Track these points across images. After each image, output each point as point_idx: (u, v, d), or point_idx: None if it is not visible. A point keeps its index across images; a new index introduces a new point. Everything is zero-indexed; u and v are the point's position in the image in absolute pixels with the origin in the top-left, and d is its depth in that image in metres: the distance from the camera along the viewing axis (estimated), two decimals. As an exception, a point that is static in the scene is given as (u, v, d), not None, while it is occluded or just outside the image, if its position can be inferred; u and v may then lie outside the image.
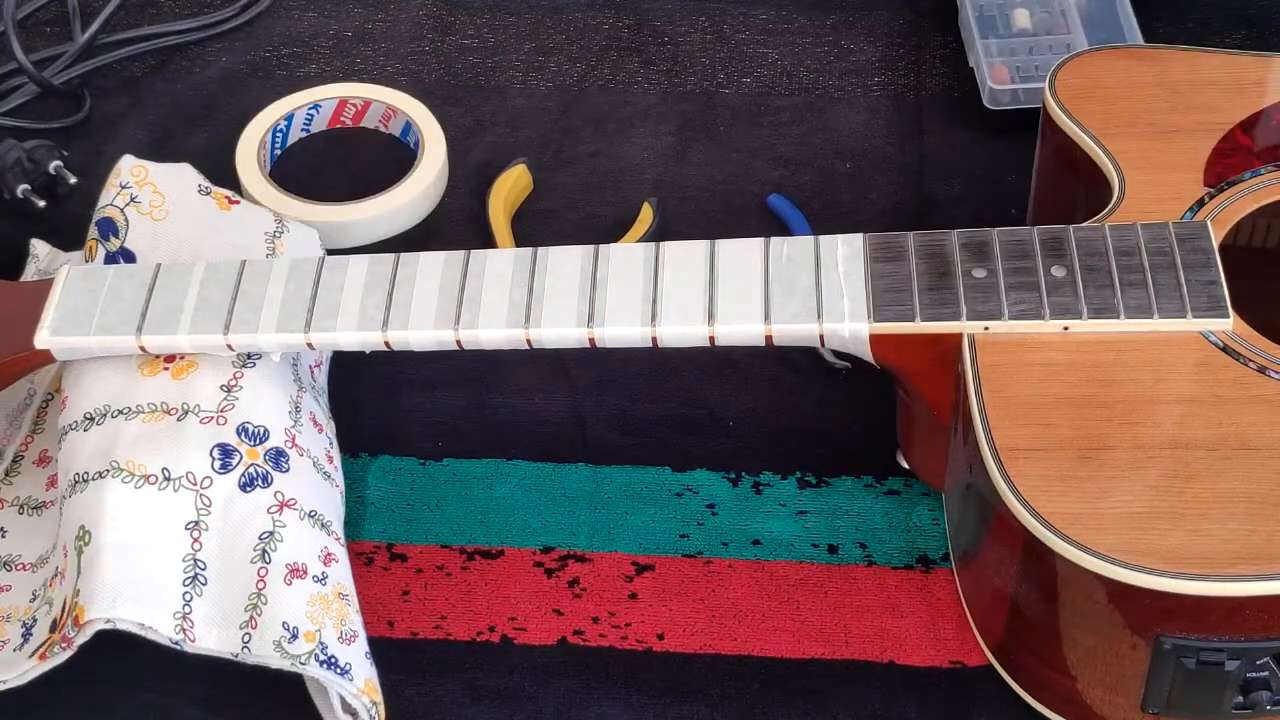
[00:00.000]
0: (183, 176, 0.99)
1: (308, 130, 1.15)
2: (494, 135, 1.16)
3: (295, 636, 0.81)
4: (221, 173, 1.06)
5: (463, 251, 0.89)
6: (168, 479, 0.83)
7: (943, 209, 1.09)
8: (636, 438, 0.98)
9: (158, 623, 0.80)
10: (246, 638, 0.81)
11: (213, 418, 0.86)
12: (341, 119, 1.15)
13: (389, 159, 1.13)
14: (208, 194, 0.99)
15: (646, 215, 1.07)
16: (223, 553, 0.83)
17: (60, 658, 0.81)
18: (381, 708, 0.83)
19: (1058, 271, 0.85)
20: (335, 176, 1.13)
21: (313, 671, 0.81)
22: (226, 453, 0.85)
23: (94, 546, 0.82)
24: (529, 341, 0.86)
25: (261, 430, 0.86)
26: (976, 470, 0.81)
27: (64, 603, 0.82)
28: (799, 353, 1.00)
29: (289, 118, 1.13)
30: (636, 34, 1.22)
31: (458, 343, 0.87)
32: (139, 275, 0.89)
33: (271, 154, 1.13)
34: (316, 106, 1.14)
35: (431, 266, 0.88)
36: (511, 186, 1.08)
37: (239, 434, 0.85)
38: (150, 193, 0.97)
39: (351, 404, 0.99)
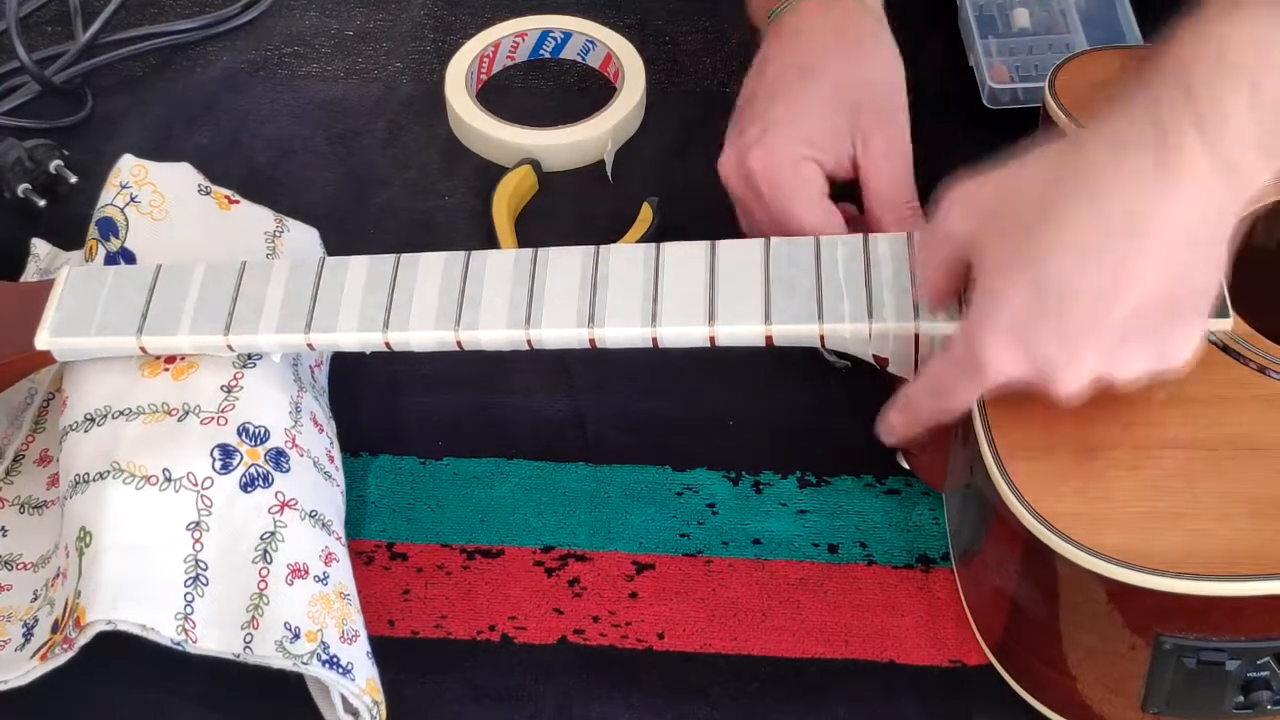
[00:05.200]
0: (183, 176, 0.99)
1: (513, 59, 1.19)
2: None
3: (297, 636, 0.81)
4: (221, 172, 1.05)
5: (463, 252, 0.89)
6: (168, 480, 0.84)
7: (943, 208, 1.09)
8: (636, 437, 0.98)
9: (159, 624, 0.80)
10: (248, 638, 0.82)
11: (213, 418, 0.86)
12: (542, 51, 1.19)
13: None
14: (207, 194, 0.99)
15: (646, 215, 1.07)
16: (224, 553, 0.83)
17: (61, 658, 0.81)
18: (383, 707, 0.83)
19: (1058, 271, 0.85)
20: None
21: (315, 671, 0.81)
22: (227, 453, 0.85)
23: (95, 548, 0.82)
24: (529, 342, 0.86)
25: (262, 430, 0.86)
26: (977, 471, 0.81)
27: (65, 603, 0.82)
28: (799, 352, 1.00)
29: (496, 46, 1.17)
30: (637, 33, 1.22)
31: (458, 343, 0.87)
32: (139, 276, 0.89)
33: (478, 79, 1.17)
34: (521, 36, 1.18)
35: (432, 267, 0.88)
36: (516, 187, 1.08)
37: (239, 434, 0.86)
38: (150, 192, 0.97)
39: (352, 403, 0.99)
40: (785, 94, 0.97)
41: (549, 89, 1.18)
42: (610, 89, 1.16)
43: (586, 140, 1.12)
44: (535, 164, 1.10)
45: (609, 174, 1.11)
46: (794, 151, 0.95)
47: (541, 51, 1.19)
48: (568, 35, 1.19)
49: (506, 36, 1.18)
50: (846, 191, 0.97)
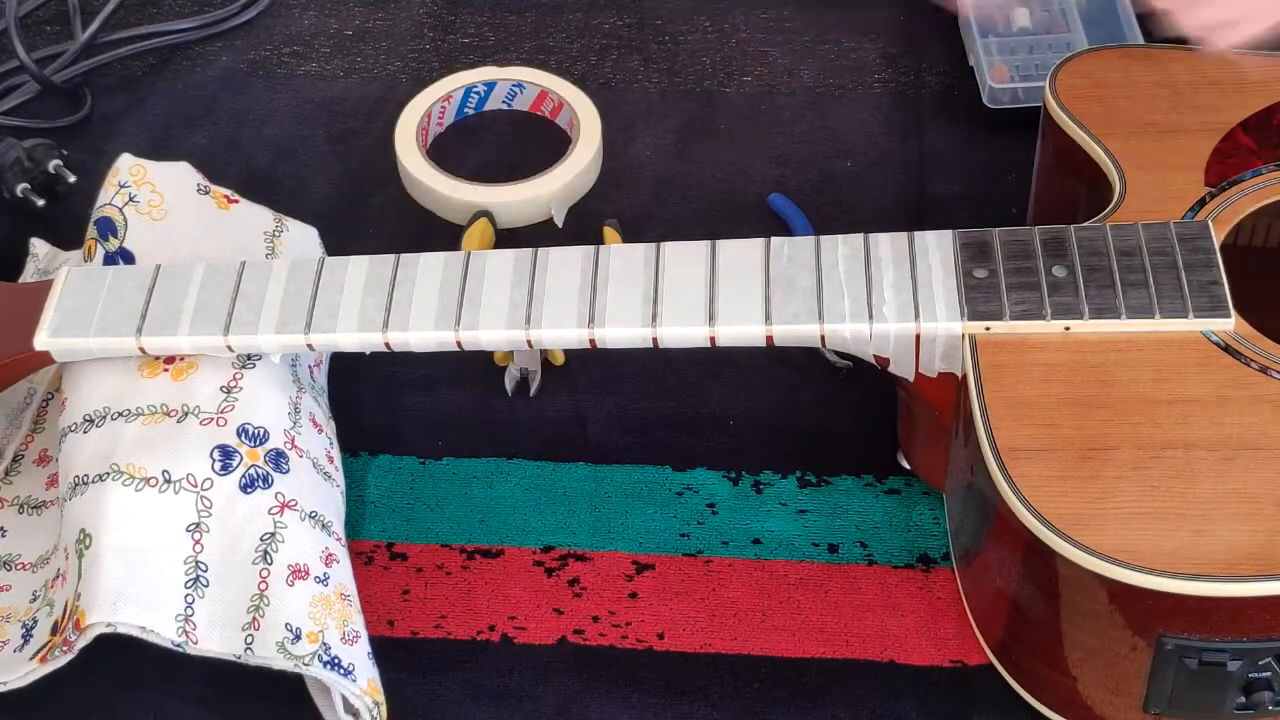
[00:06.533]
0: (181, 176, 0.99)
1: (464, 113, 1.17)
2: (494, 134, 1.16)
3: (298, 637, 0.81)
4: (221, 171, 1.06)
5: (463, 252, 0.89)
6: (168, 481, 0.83)
7: (943, 208, 1.09)
8: (637, 437, 0.98)
9: (159, 625, 0.80)
10: (249, 639, 0.81)
11: (213, 419, 0.86)
12: (466, 109, 1.17)
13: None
14: (206, 193, 0.99)
15: (613, 237, 1.06)
16: (224, 554, 0.83)
17: (61, 660, 0.81)
18: (384, 708, 0.83)
19: (1059, 271, 0.85)
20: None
21: (316, 672, 0.81)
22: (227, 454, 0.85)
23: (95, 550, 0.82)
24: (529, 343, 0.86)
25: (261, 431, 0.86)
26: (978, 471, 0.81)
27: (65, 605, 0.82)
28: (799, 352, 1.00)
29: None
30: (637, 32, 1.22)
31: (458, 344, 0.87)
32: (139, 276, 0.89)
33: (433, 130, 1.15)
34: (491, 85, 1.16)
35: (431, 267, 0.88)
36: (479, 240, 1.07)
37: (239, 435, 0.85)
38: (149, 192, 0.97)
39: (351, 403, 0.99)
40: None
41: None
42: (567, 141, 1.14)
43: (539, 197, 1.09)
44: (490, 215, 1.08)
45: (559, 224, 1.10)
46: None
47: (466, 109, 1.17)
48: (491, 85, 1.16)
49: (436, 102, 1.15)
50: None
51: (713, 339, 0.86)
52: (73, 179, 1.10)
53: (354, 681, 0.82)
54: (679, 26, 1.23)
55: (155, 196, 0.97)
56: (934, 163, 1.12)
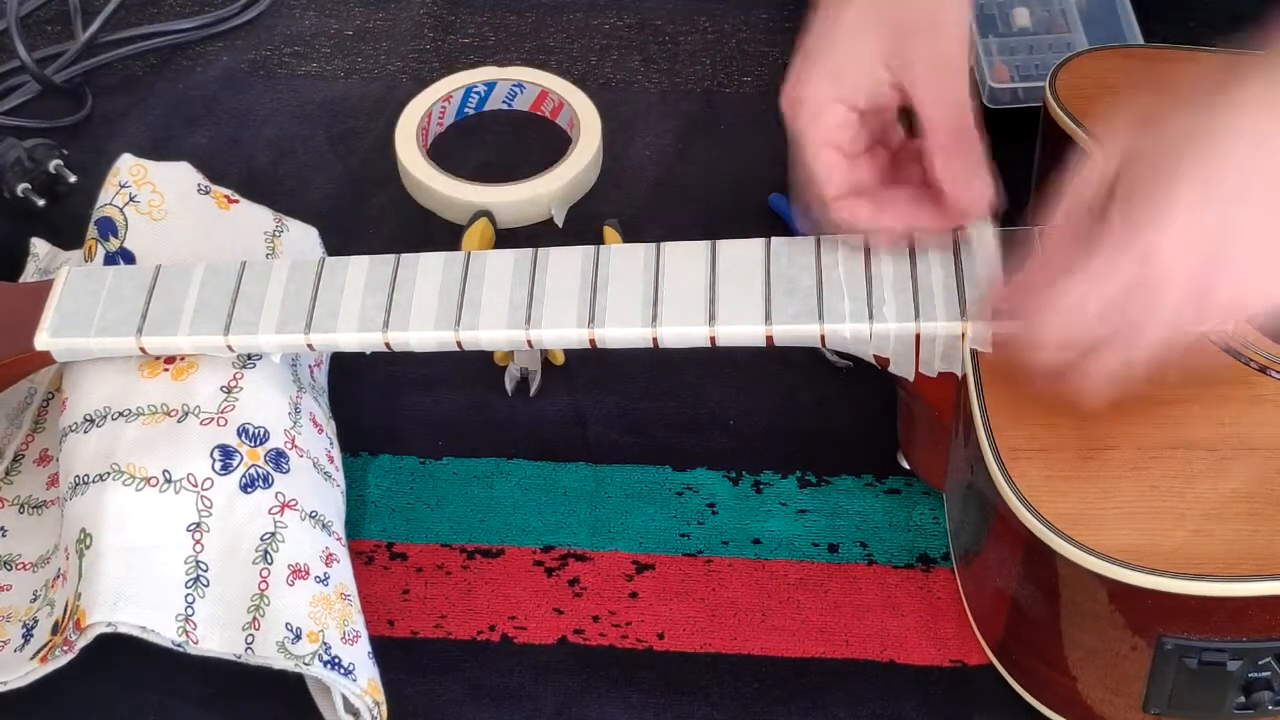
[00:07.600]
0: (182, 176, 0.99)
1: (464, 113, 1.17)
2: (494, 134, 1.16)
3: (298, 637, 0.81)
4: (221, 171, 1.06)
5: (463, 252, 0.89)
6: (168, 481, 0.83)
7: (943, 208, 1.09)
8: (637, 437, 0.98)
9: (160, 625, 0.80)
10: (250, 639, 0.81)
11: (213, 419, 0.86)
12: (467, 109, 1.17)
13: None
14: (207, 193, 0.99)
15: (613, 237, 1.06)
16: (225, 554, 0.83)
17: (61, 660, 0.81)
18: (384, 708, 0.83)
19: (1059, 271, 0.85)
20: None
21: (316, 672, 0.81)
22: (227, 454, 0.85)
23: (95, 550, 0.82)
24: (529, 343, 0.86)
25: (262, 431, 0.86)
26: (978, 471, 0.81)
27: (65, 605, 0.82)
28: (799, 352, 1.00)
29: (434, 111, 1.15)
30: (637, 32, 1.22)
31: (458, 344, 0.87)
32: (139, 276, 0.89)
33: (433, 130, 1.15)
34: (491, 85, 1.16)
35: (432, 267, 0.88)
36: (479, 240, 1.07)
37: (239, 435, 0.85)
38: (149, 192, 0.97)
39: (351, 403, 0.99)
40: (822, 19, 0.90)
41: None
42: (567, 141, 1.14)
43: (539, 197, 1.09)
44: (490, 215, 1.09)
45: (559, 224, 1.10)
46: (817, 90, 0.87)
47: (466, 109, 1.17)
48: (492, 85, 1.16)
49: (437, 102, 1.15)
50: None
51: (713, 339, 0.86)
52: (73, 179, 1.11)
53: (354, 681, 0.82)
54: (679, 26, 1.23)
55: (156, 196, 0.97)
56: (934, 163, 1.12)
